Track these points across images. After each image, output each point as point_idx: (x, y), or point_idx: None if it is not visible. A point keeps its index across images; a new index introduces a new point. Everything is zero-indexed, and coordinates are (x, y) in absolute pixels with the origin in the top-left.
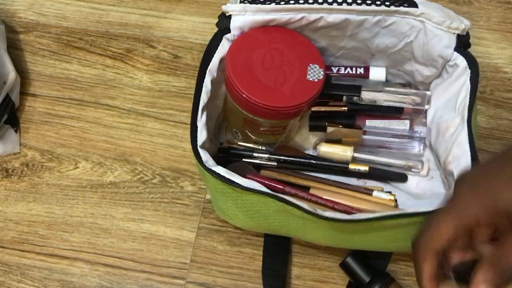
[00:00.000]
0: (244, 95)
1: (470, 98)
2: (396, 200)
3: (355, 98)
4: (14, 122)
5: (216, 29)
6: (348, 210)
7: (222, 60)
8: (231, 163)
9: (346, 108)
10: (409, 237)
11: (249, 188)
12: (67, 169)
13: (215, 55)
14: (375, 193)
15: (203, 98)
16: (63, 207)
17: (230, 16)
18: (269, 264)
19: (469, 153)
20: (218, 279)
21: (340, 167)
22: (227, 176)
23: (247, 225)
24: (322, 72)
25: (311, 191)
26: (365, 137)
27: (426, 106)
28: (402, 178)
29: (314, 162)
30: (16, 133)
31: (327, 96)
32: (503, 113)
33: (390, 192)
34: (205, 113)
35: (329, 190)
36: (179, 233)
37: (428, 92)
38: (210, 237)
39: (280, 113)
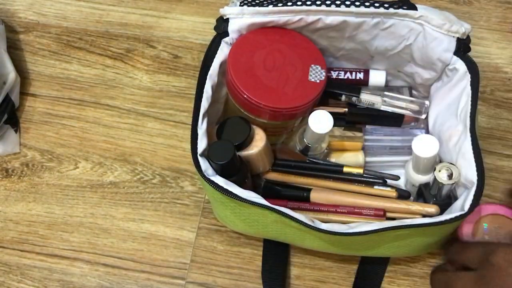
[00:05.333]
0: (246, 96)
1: (471, 105)
2: (397, 190)
3: (353, 99)
4: (14, 122)
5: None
6: (351, 211)
7: (222, 64)
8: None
9: (346, 110)
10: (408, 244)
11: (247, 200)
12: (67, 169)
13: (214, 59)
14: (376, 187)
15: (204, 105)
16: (63, 207)
17: (228, 19)
18: (269, 265)
19: (474, 165)
20: (218, 279)
21: (334, 170)
22: (225, 186)
23: (246, 231)
24: (323, 73)
25: (313, 190)
26: (366, 137)
27: (423, 116)
28: (395, 177)
29: (307, 165)
30: (16, 133)
31: (326, 94)
32: (503, 113)
33: (391, 187)
34: (206, 120)
35: (330, 187)
36: (179, 233)
37: (426, 102)
38: (210, 237)
39: (282, 114)
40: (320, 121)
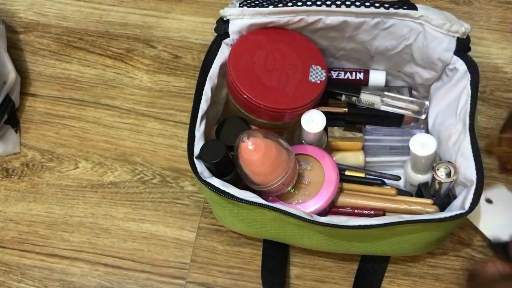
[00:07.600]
0: (246, 97)
1: (471, 104)
2: (397, 189)
3: (353, 99)
4: (14, 122)
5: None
6: (352, 212)
7: (222, 66)
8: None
9: (346, 109)
10: (408, 241)
11: (244, 200)
12: (67, 169)
13: (215, 61)
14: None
15: (203, 107)
16: (63, 207)
17: (228, 20)
18: (269, 265)
19: (473, 164)
20: (218, 279)
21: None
22: (222, 188)
23: (245, 231)
24: (324, 74)
25: None
26: (366, 137)
27: (423, 116)
28: (396, 178)
29: None
30: (16, 133)
31: (326, 94)
32: (503, 113)
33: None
34: (204, 121)
35: None
36: (179, 233)
37: (426, 102)
38: (210, 237)
39: (282, 115)
40: (313, 120)
